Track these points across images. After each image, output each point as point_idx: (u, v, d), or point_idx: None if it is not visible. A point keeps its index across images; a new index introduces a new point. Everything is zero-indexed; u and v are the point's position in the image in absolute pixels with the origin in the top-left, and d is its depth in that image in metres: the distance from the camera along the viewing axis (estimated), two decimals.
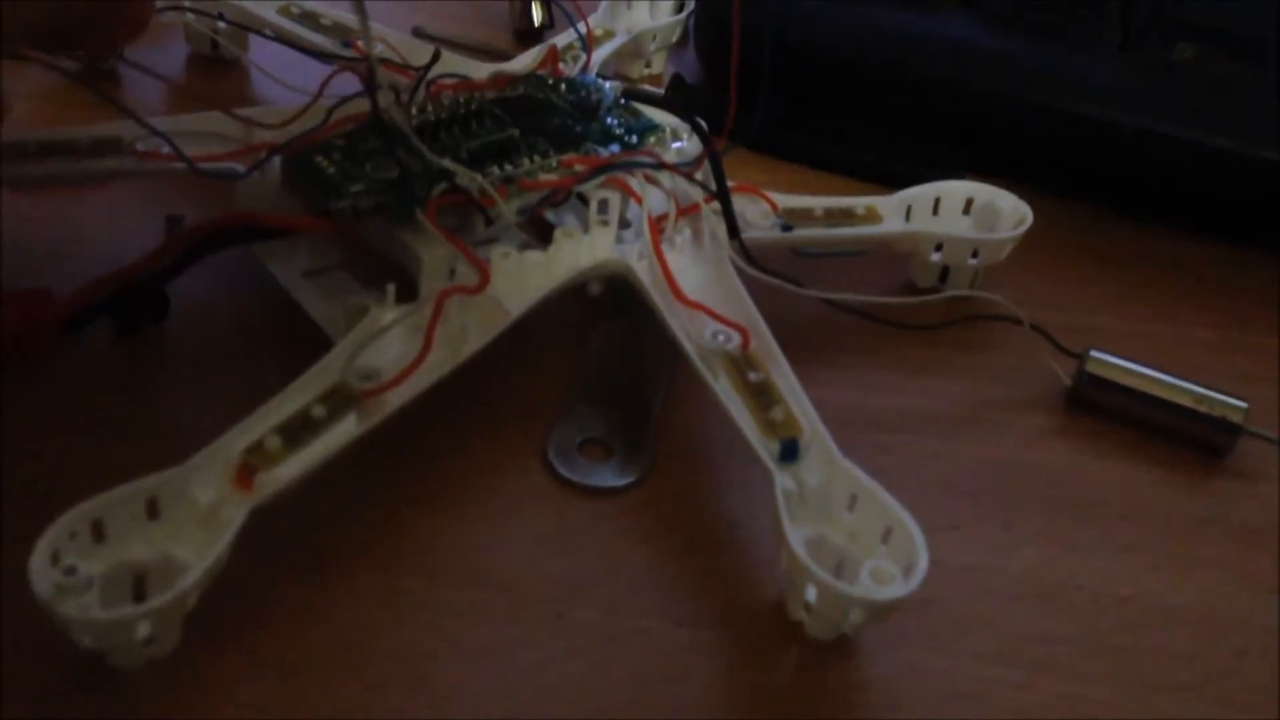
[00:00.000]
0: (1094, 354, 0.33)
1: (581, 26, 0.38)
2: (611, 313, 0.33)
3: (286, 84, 0.36)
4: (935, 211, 0.35)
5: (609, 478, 0.29)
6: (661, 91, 0.40)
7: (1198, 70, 0.38)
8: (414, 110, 0.31)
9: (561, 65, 0.36)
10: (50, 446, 0.28)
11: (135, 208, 0.33)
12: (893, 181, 0.37)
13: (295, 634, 0.25)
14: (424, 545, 0.27)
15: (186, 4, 0.38)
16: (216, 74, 0.40)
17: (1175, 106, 0.38)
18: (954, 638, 0.27)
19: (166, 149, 0.30)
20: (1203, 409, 0.32)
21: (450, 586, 0.27)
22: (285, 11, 0.38)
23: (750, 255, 0.32)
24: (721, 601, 0.27)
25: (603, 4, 0.41)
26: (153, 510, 0.24)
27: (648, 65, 0.42)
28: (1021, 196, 0.35)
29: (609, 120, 0.33)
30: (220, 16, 0.38)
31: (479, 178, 0.29)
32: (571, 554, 0.28)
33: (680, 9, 0.42)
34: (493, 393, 0.30)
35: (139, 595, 0.23)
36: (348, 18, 0.38)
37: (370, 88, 0.28)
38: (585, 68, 0.37)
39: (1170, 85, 0.38)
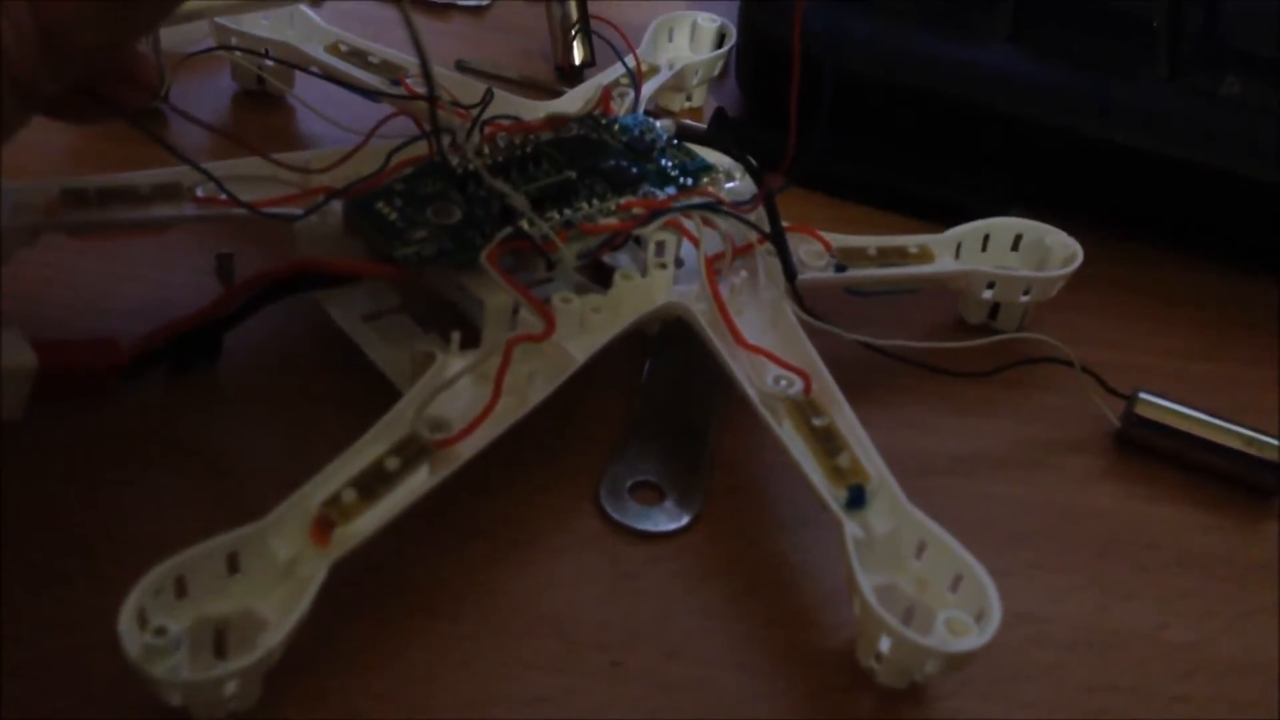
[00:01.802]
0: (1143, 395, 0.33)
1: (630, 60, 0.38)
2: (660, 350, 0.33)
3: (333, 121, 0.36)
4: (984, 248, 0.36)
5: (662, 521, 0.30)
6: (704, 126, 0.41)
7: (1245, 103, 0.38)
8: (471, 153, 0.31)
9: (611, 102, 0.36)
10: (116, 485, 0.28)
11: (186, 245, 0.34)
12: (941, 214, 0.37)
13: (361, 680, 0.25)
14: (481, 591, 0.28)
15: (234, 42, 0.38)
16: (263, 109, 0.40)
17: (1222, 139, 0.38)
18: (1012, 686, 0.27)
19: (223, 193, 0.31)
20: (1252, 451, 0.32)
21: (507, 633, 0.27)
22: (334, 49, 0.38)
23: (802, 300, 0.32)
24: (780, 647, 0.27)
25: (645, 38, 0.41)
26: (233, 564, 0.24)
27: (689, 99, 0.42)
28: (1066, 228, 0.36)
29: (663, 161, 0.33)
30: (266, 53, 0.38)
31: (542, 223, 0.30)
32: (626, 599, 0.28)
33: (720, 42, 0.43)
34: (544, 433, 0.30)
35: (219, 648, 0.23)
36: (396, 55, 0.38)
37: (435, 132, 0.28)
38: (635, 104, 0.37)
39: (1218, 117, 0.38)
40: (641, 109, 0.37)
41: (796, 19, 0.32)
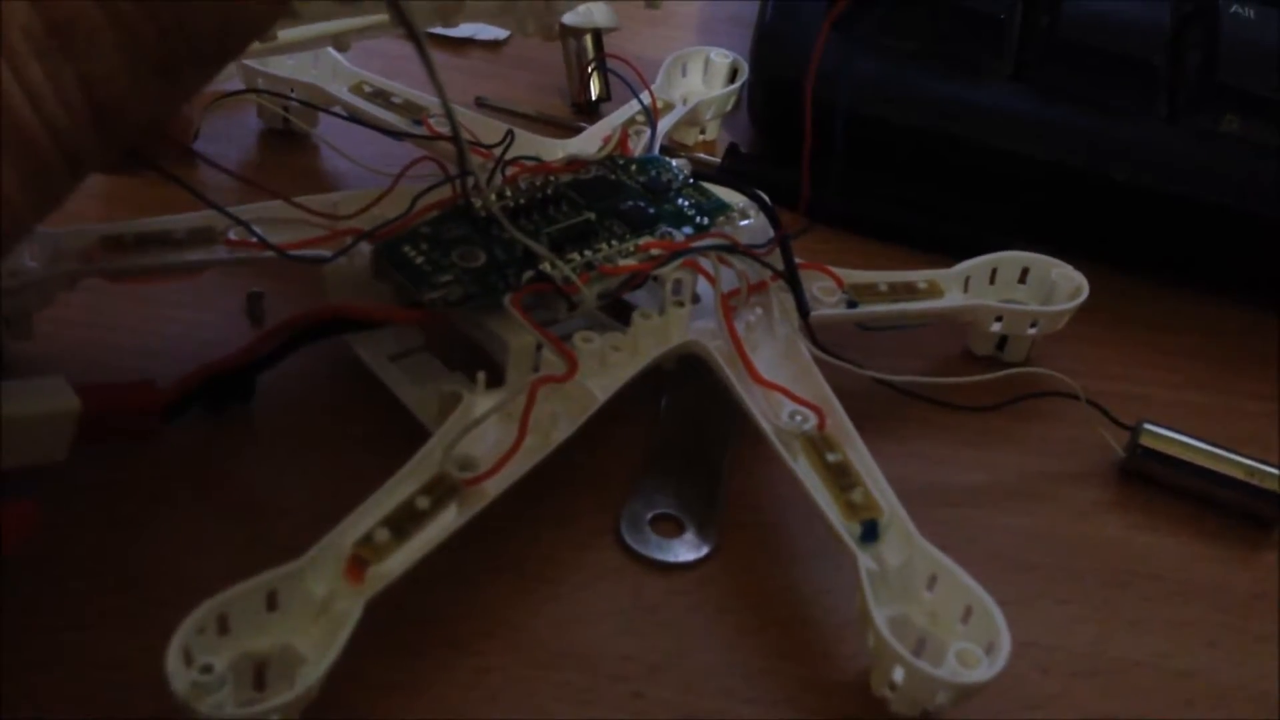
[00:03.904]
0: (1146, 427, 0.34)
1: (645, 97, 0.39)
2: (675, 384, 0.34)
3: (356, 161, 0.37)
4: (992, 281, 0.37)
5: (682, 553, 0.30)
6: (718, 160, 0.42)
7: (1244, 141, 0.39)
8: (494, 196, 0.32)
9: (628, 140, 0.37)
10: (154, 523, 0.29)
11: (217, 284, 0.35)
12: (947, 248, 0.38)
13: (390, 714, 0.26)
14: (506, 624, 0.28)
15: (261, 84, 0.39)
16: (288, 148, 0.41)
17: (1221, 176, 0.39)
18: (1020, 713, 0.28)
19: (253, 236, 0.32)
20: (1253, 481, 0.33)
21: (531, 665, 0.28)
22: (357, 89, 0.39)
23: (815, 336, 0.33)
24: (796, 678, 0.28)
25: (659, 75, 0.42)
26: (272, 602, 0.25)
27: (702, 132, 0.43)
28: (1070, 263, 0.37)
29: (680, 201, 0.34)
30: (292, 93, 0.39)
31: (564, 266, 0.31)
32: (647, 631, 0.29)
33: (733, 77, 0.44)
34: (563, 467, 0.31)
35: (258, 682, 0.24)
36: (418, 95, 0.39)
37: (462, 175, 0.29)
38: (651, 143, 0.38)
39: (1217, 155, 0.39)
40: (657, 146, 0.38)
41: (811, 71, 0.33)
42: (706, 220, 0.34)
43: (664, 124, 0.40)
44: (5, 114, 0.21)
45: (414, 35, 0.22)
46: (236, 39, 0.24)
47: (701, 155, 0.42)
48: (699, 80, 0.44)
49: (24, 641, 0.26)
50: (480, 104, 0.43)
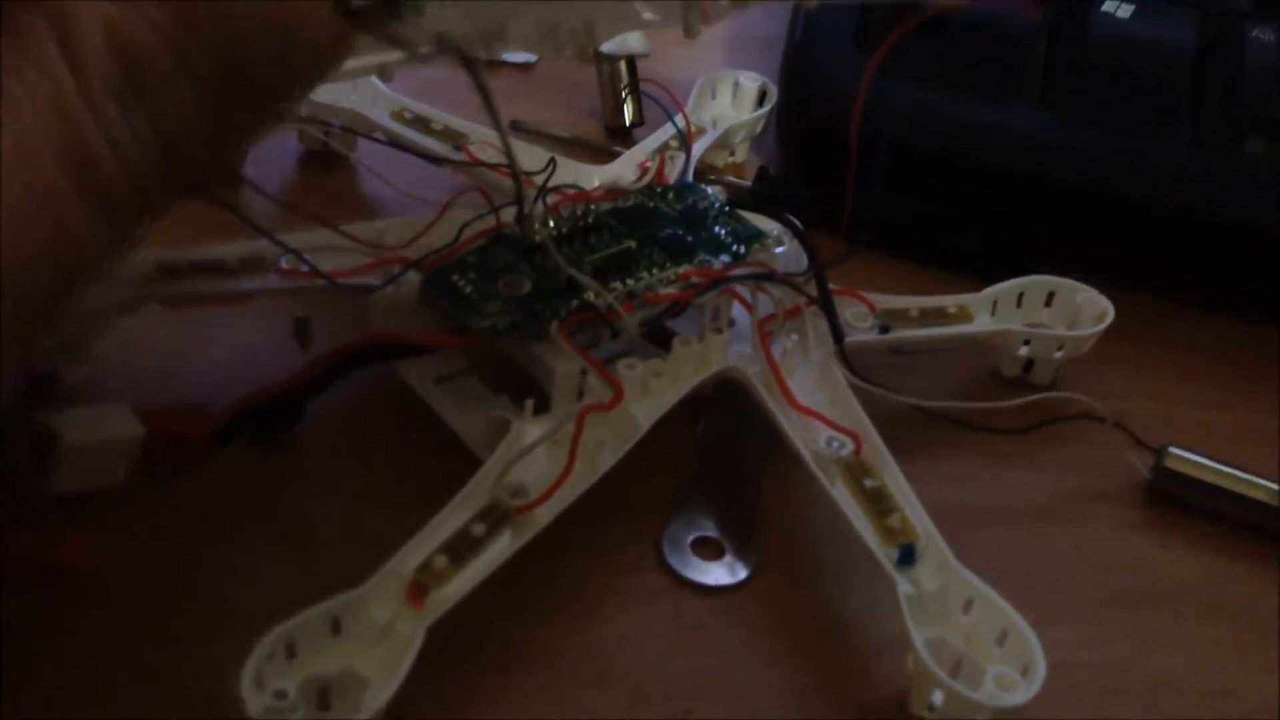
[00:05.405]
0: (1171, 450, 0.34)
1: (680, 121, 0.40)
2: (712, 408, 0.35)
3: (396, 187, 0.38)
4: (1019, 304, 0.37)
5: (723, 575, 0.31)
6: (749, 183, 0.42)
7: (1268, 162, 0.40)
8: (536, 225, 0.33)
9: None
10: (208, 547, 0.30)
11: (265, 308, 0.35)
12: (975, 269, 0.39)
13: None
14: (552, 647, 0.29)
15: (303, 110, 0.40)
16: (329, 171, 0.42)
17: (1245, 197, 0.40)
18: None
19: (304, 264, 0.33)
20: (1275, 503, 0.34)
21: (577, 685, 0.29)
22: (398, 115, 0.40)
23: (850, 362, 0.34)
24: (836, 698, 0.29)
25: (690, 98, 0.43)
26: (335, 627, 0.26)
27: (731, 154, 0.44)
28: (1095, 284, 0.38)
29: (717, 229, 0.35)
30: (334, 119, 0.40)
31: (608, 295, 0.31)
32: (690, 652, 0.30)
33: (761, 100, 0.44)
34: (606, 491, 0.32)
35: (322, 703, 0.25)
36: (457, 121, 0.40)
37: (519, 205, 0.30)
38: (685, 168, 0.39)
39: (1241, 177, 0.40)
40: (691, 171, 0.39)
41: (856, 110, 0.33)
42: (743, 248, 0.35)
43: (697, 148, 0.41)
44: (86, 158, 0.22)
45: (484, 90, 0.23)
46: (298, 79, 0.25)
47: (732, 178, 0.43)
48: (728, 103, 0.44)
49: (79, 663, 0.27)
50: (516, 127, 0.44)
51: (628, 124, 0.44)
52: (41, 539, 0.26)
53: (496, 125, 0.28)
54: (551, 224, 0.34)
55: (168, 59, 0.22)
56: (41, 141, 0.21)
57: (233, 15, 0.23)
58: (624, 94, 0.44)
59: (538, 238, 0.32)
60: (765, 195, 0.41)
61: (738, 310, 0.34)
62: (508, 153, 0.28)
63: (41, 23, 0.21)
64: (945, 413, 0.35)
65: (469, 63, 0.23)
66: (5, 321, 0.21)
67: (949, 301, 0.37)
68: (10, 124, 0.20)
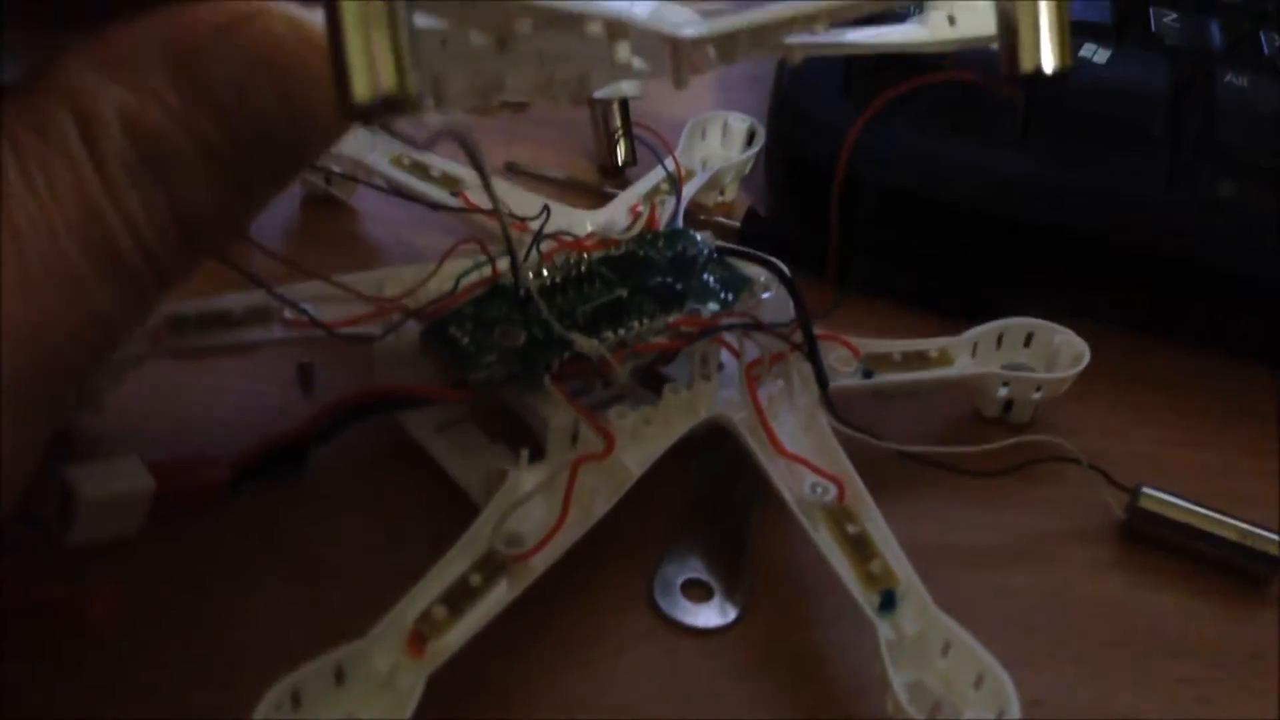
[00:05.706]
0: (1144, 490, 0.36)
1: (670, 163, 0.41)
2: (702, 451, 0.36)
3: (397, 233, 0.40)
4: (998, 346, 0.39)
5: (713, 617, 0.32)
6: (737, 224, 0.44)
7: (1240, 205, 0.41)
8: (530, 275, 0.34)
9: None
10: (218, 594, 0.31)
11: (269, 356, 0.36)
12: (955, 310, 0.40)
13: None
14: (549, 690, 0.30)
15: None
16: (330, 214, 0.43)
17: (1219, 238, 0.41)
18: None
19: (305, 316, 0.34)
20: (1247, 543, 0.35)
21: None
22: (397, 162, 0.41)
23: (834, 409, 0.35)
24: None
25: (680, 140, 0.44)
26: (340, 676, 0.27)
27: (721, 194, 0.45)
28: (1075, 324, 0.39)
29: (705, 277, 0.36)
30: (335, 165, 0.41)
31: (600, 347, 0.33)
32: (682, 695, 0.31)
33: (750, 140, 0.45)
34: (596, 534, 0.32)
35: None
36: (454, 167, 0.41)
37: (511, 255, 0.32)
38: (676, 211, 0.40)
39: (1214, 219, 0.41)
40: (681, 215, 0.40)
41: (841, 162, 0.35)
42: (731, 295, 0.36)
43: (687, 191, 0.42)
44: (108, 242, 0.23)
45: (482, 172, 0.25)
46: (311, 153, 0.26)
47: (722, 218, 0.44)
48: (718, 144, 0.46)
49: (91, 707, 0.28)
50: (511, 169, 0.45)
51: (620, 164, 0.45)
52: (67, 593, 0.27)
53: (493, 201, 0.29)
54: (546, 273, 0.35)
55: (187, 144, 0.23)
56: (64, 228, 0.22)
57: (249, 97, 0.24)
58: (617, 136, 0.45)
59: (525, 291, 0.33)
60: (753, 236, 0.43)
61: (725, 355, 0.35)
62: (503, 228, 0.29)
63: (65, 115, 0.22)
64: (926, 456, 0.36)
65: (468, 148, 0.24)
66: (42, 394, 0.22)
67: (930, 345, 0.38)
68: (39, 216, 0.21)
